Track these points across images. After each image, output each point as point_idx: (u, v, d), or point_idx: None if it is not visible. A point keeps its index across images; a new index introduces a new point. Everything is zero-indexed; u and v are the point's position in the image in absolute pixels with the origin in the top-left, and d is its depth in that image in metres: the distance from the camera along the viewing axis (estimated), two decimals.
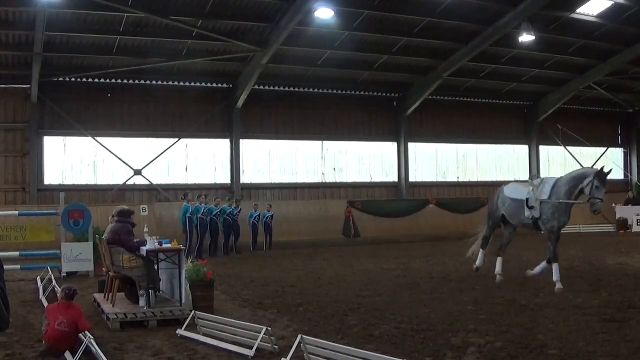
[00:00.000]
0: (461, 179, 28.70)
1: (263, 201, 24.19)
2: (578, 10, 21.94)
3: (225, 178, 24.25)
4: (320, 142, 25.98)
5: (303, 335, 6.38)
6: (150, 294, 9.28)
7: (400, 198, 26.60)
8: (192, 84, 23.73)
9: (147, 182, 23.06)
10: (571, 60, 25.81)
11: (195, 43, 21.20)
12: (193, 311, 8.39)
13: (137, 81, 22.77)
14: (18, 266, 14.59)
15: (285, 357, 6.46)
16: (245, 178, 24.45)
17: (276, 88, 24.91)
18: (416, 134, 27.47)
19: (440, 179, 28.30)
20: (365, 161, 26.83)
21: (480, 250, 13.17)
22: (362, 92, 26.58)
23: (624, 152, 33.10)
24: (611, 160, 32.18)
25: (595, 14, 22.32)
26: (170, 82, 23.40)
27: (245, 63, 22.78)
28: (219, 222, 19.80)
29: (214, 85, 24.13)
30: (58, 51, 20.46)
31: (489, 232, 13.32)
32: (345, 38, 22.05)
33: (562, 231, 12.19)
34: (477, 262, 13.02)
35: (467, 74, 26.03)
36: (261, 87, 24.20)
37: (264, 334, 6.96)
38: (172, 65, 22.45)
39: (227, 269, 15.37)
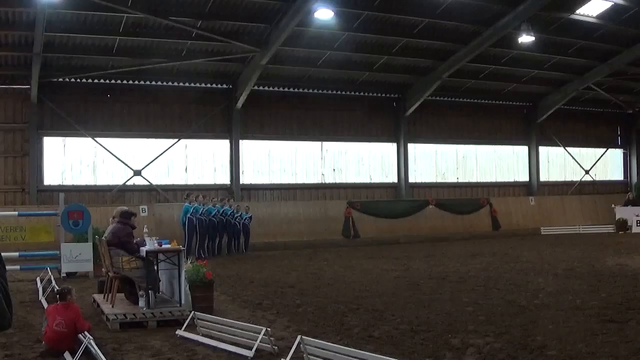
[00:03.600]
0: (461, 180, 28.68)
1: (263, 202, 24.30)
2: (578, 11, 21.94)
3: (225, 179, 24.25)
4: (320, 142, 25.96)
5: (302, 336, 6.38)
6: (150, 294, 9.28)
7: (399, 199, 26.59)
8: (192, 84, 23.73)
9: (146, 183, 23.05)
10: (571, 62, 25.80)
11: (195, 44, 21.21)
12: (193, 312, 8.39)
13: (137, 82, 22.76)
14: (18, 267, 14.57)
15: (285, 358, 6.46)
16: (245, 179, 24.44)
17: (276, 89, 24.90)
18: (416, 134, 27.48)
19: (439, 179, 28.29)
20: (365, 162, 26.81)
21: None
22: (361, 93, 26.57)
23: (623, 153, 33.11)
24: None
25: (595, 15, 22.32)
26: (170, 83, 23.39)
27: (245, 64, 22.78)
28: (217, 223, 19.82)
29: (214, 86, 24.13)
30: (58, 52, 20.46)
31: None
32: (345, 39, 22.06)
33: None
34: None
35: (467, 75, 26.03)
36: (261, 87, 24.20)
37: (263, 334, 6.97)
38: (172, 66, 22.45)
39: (226, 270, 15.37)
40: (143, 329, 8.65)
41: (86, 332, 7.16)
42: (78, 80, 21.91)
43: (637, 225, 25.83)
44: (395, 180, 27.10)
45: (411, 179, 27.29)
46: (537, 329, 8.01)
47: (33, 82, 20.45)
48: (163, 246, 9.79)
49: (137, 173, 22.88)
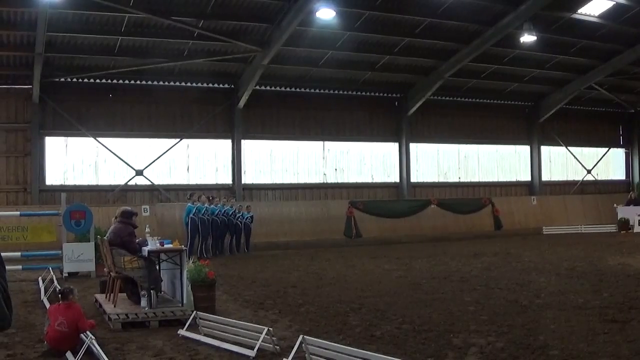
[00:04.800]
0: (463, 180, 28.67)
1: (265, 202, 24.31)
2: (579, 11, 21.93)
3: (226, 179, 24.26)
4: (321, 142, 25.96)
5: (304, 336, 6.39)
6: (152, 294, 9.28)
7: (401, 199, 26.58)
8: (194, 84, 23.73)
9: (148, 183, 23.06)
10: (573, 61, 25.79)
11: (197, 44, 21.21)
12: (194, 312, 8.39)
13: (138, 82, 22.76)
14: (20, 267, 14.57)
15: (287, 358, 6.46)
16: (246, 178, 24.44)
17: (278, 88, 24.90)
18: (418, 134, 27.46)
19: (441, 179, 28.28)
20: (367, 162, 26.81)
21: None
22: (363, 93, 26.56)
23: (625, 152, 33.08)
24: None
25: (596, 14, 22.31)
26: (172, 83, 23.40)
27: (246, 63, 22.79)
28: (219, 223, 19.80)
29: (216, 85, 24.13)
30: (60, 52, 20.47)
31: None
32: (346, 39, 22.05)
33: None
34: None
35: (468, 75, 26.01)
36: (263, 87, 24.19)
37: (265, 334, 6.97)
38: (174, 66, 22.46)
39: (228, 270, 15.37)
40: (145, 328, 8.65)
41: (88, 332, 7.16)
42: (80, 80, 21.92)
43: (639, 225, 25.79)
44: (397, 180, 27.10)
45: (413, 179, 27.28)
46: (539, 329, 8.00)
47: (35, 82, 20.46)
48: (165, 246, 9.79)
49: (139, 173, 22.90)
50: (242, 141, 24.24)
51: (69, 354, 7.05)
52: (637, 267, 14.09)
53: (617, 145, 32.91)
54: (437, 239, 23.71)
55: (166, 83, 23.31)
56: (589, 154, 31.64)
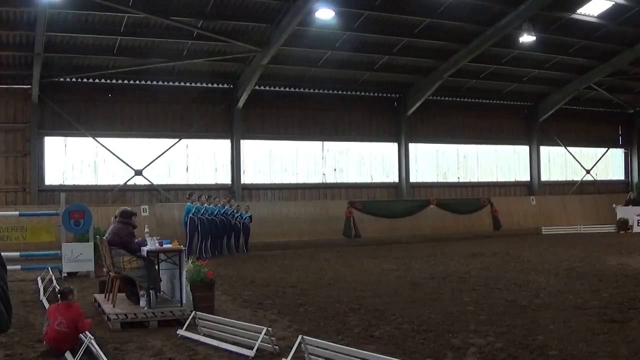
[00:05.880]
0: (462, 180, 28.68)
1: (264, 202, 24.31)
2: (579, 11, 21.95)
3: (226, 178, 24.26)
4: (321, 142, 25.97)
5: (304, 336, 6.39)
6: (151, 294, 9.28)
7: (400, 199, 26.59)
8: (193, 84, 23.73)
9: (147, 183, 23.06)
10: (572, 61, 25.80)
11: (196, 43, 21.21)
12: (194, 312, 8.39)
13: (137, 82, 22.76)
14: (19, 267, 14.57)
15: (286, 358, 6.46)
16: (246, 178, 24.45)
17: (277, 88, 24.90)
18: (417, 134, 27.47)
19: (440, 179, 28.29)
20: (366, 162, 26.82)
21: None
22: (362, 93, 26.57)
23: (624, 152, 33.11)
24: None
25: (596, 14, 22.33)
26: (171, 83, 23.40)
27: (246, 63, 22.79)
28: (218, 223, 19.80)
29: (215, 85, 24.13)
30: (59, 52, 20.47)
31: None
32: (346, 39, 22.06)
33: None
34: None
35: (467, 75, 26.02)
36: (262, 87, 24.19)
37: (264, 334, 6.97)
38: (173, 66, 22.46)
39: (227, 270, 15.37)
40: (144, 328, 8.65)
41: (87, 332, 7.16)
42: (79, 80, 21.92)
43: (638, 225, 25.80)
44: (396, 180, 27.10)
45: (412, 179, 27.28)
46: (538, 329, 8.01)
47: (34, 81, 20.46)
48: (164, 246, 9.79)
49: (138, 173, 22.90)
50: (241, 141, 24.25)
51: (68, 354, 7.04)
52: (636, 267, 14.10)
53: (616, 146, 32.93)
54: (436, 239, 23.71)
55: (165, 83, 23.31)
56: (588, 154, 31.66)
